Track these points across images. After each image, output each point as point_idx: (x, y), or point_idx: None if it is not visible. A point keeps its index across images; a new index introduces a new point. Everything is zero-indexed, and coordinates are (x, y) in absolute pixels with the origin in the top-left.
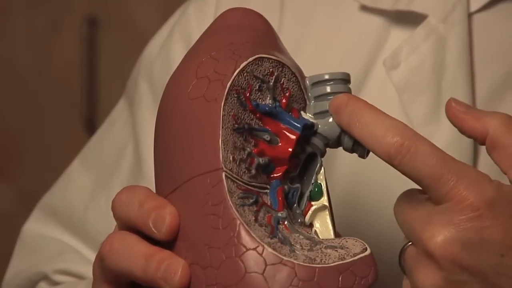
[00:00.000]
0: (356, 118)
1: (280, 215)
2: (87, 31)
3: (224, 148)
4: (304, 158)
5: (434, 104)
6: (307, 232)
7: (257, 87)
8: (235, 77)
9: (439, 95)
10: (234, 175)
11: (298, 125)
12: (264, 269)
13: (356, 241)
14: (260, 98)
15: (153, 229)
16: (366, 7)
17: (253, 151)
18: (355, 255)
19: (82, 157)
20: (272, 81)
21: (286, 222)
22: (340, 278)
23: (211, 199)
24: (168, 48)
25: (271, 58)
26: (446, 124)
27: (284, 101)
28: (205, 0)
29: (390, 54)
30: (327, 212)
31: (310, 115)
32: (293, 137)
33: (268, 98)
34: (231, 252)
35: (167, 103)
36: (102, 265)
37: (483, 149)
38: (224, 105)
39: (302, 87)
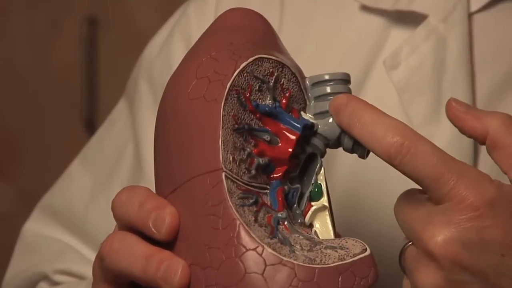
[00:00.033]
0: (356, 118)
1: (280, 215)
2: (87, 31)
3: (224, 148)
4: (304, 159)
5: (434, 104)
6: (307, 233)
7: (257, 87)
8: (235, 77)
9: (439, 95)
10: (234, 176)
11: (298, 126)
12: (264, 269)
13: (356, 242)
14: (260, 99)
15: (153, 230)
16: (366, 7)
17: (253, 152)
18: (355, 255)
19: (82, 157)
20: (272, 81)
21: (286, 223)
22: (340, 279)
23: (211, 200)
24: (168, 48)
25: (271, 59)
26: (446, 124)
27: (284, 101)
28: (205, 0)
29: (390, 54)
30: (327, 213)
31: (310, 116)
32: (293, 137)
33: (268, 98)
34: (231, 253)
35: (167, 103)
36: (102, 265)
37: (483, 149)
38: (224, 106)
39: (302, 87)
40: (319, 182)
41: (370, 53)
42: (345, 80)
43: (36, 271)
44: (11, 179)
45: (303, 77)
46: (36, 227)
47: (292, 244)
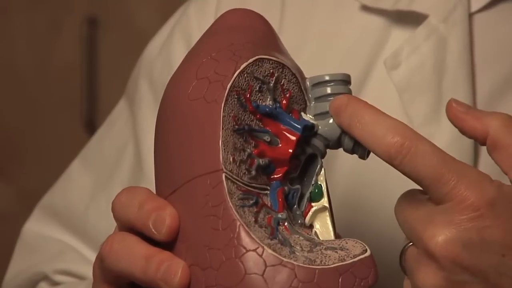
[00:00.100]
0: (357, 119)
1: (280, 216)
2: (87, 31)
3: (224, 149)
4: (304, 159)
5: (434, 104)
6: (307, 233)
7: (257, 88)
8: (235, 78)
9: (439, 95)
10: (234, 176)
11: (299, 126)
12: (264, 270)
13: (356, 243)
14: (260, 99)
15: (153, 230)
16: (367, 7)
17: (253, 152)
18: (355, 256)
19: (82, 157)
20: (273, 82)
21: (286, 223)
22: (340, 280)
23: (211, 200)
24: (169, 48)
25: (271, 59)
26: (446, 124)
27: (285, 102)
28: (206, 0)
29: (391, 54)
30: (327, 213)
31: (310, 116)
32: (294, 138)
33: (268, 99)
34: (231, 253)
35: (167, 103)
36: (102, 266)
37: (483, 149)
38: (224, 106)
39: (302, 88)
40: (319, 183)
41: (370, 53)
42: (346, 80)
43: (36, 271)
44: (11, 179)
45: (304, 78)
46: (36, 227)
47: (292, 245)
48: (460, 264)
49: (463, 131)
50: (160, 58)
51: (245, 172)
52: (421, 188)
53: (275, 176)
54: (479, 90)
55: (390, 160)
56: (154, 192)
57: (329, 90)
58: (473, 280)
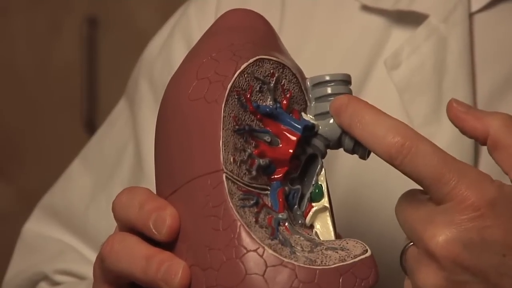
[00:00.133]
0: (357, 119)
1: (280, 216)
2: (87, 31)
3: (224, 149)
4: (305, 160)
5: (435, 104)
6: (308, 234)
7: (257, 88)
8: (235, 78)
9: (440, 95)
10: (235, 177)
11: (299, 126)
12: (265, 270)
13: (356, 243)
14: (260, 99)
15: (154, 230)
16: (367, 7)
17: (253, 153)
18: (355, 256)
19: (83, 157)
20: (273, 82)
21: (286, 224)
22: (340, 280)
23: (212, 201)
24: (169, 48)
25: (271, 59)
26: (447, 124)
27: (285, 102)
28: (206, 0)
29: (391, 54)
30: (328, 214)
31: (310, 116)
32: (294, 138)
33: (268, 99)
34: (232, 254)
35: (168, 104)
36: (102, 266)
37: (484, 149)
38: (224, 107)
39: (302, 88)
40: (319, 183)
41: (370, 53)
42: (346, 81)
43: (36, 271)
44: (11, 179)
45: (304, 78)
46: (36, 227)
47: (293, 245)
48: (461, 264)
49: (463, 131)
50: (160, 58)
51: (245, 173)
52: (421, 188)
53: (275, 176)
54: (479, 90)
55: (390, 160)
56: (155, 192)
57: (329, 90)
58: (474, 280)
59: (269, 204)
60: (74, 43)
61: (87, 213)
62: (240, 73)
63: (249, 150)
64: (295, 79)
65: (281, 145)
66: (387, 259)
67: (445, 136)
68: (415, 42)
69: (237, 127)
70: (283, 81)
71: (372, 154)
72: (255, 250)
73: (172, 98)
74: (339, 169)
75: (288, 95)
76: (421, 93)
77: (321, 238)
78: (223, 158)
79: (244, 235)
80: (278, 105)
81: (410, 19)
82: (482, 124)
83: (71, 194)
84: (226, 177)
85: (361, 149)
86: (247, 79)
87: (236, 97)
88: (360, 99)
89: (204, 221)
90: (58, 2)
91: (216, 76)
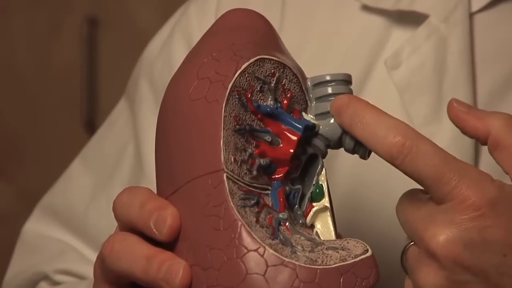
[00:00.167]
0: (358, 119)
1: (281, 216)
2: (87, 31)
3: (225, 149)
4: (305, 159)
5: (435, 105)
6: (308, 233)
7: (258, 88)
8: (236, 78)
9: (440, 95)
10: (235, 176)
11: (300, 126)
12: (265, 270)
13: (357, 243)
14: (261, 99)
15: (154, 230)
16: (367, 7)
17: (254, 152)
18: (356, 256)
19: (83, 157)
20: (274, 82)
21: (287, 223)
22: (341, 280)
23: (212, 200)
24: (169, 48)
25: (272, 59)
26: (447, 124)
27: (286, 102)
28: (206, 0)
29: (392, 54)
30: (328, 213)
31: (311, 116)
32: (295, 138)
33: (269, 99)
34: (232, 253)
35: (168, 104)
36: (103, 266)
37: (484, 149)
38: (225, 106)
39: (303, 88)
40: (320, 183)
41: (371, 53)
42: (347, 80)
43: (37, 271)
44: (11, 179)
45: (305, 78)
46: (37, 226)
47: (294, 245)
48: (461, 264)
49: (464, 131)
50: (161, 58)
51: (246, 172)
52: (422, 188)
53: (276, 176)
54: (479, 90)
55: (391, 160)
56: (155, 192)
57: (330, 90)
58: (474, 280)
59: (270, 204)
60: (74, 43)
61: (87, 213)
62: (241, 73)
63: (249, 150)
64: (295, 79)
65: (281, 145)
66: (388, 259)
67: (445, 136)
68: (416, 42)
69: (238, 126)
70: (283, 81)
71: (372, 154)
72: (256, 250)
73: (172, 98)
74: (339, 169)
75: (288, 95)
76: (421, 93)
77: (321, 238)
78: (223, 157)
79: (245, 234)
80: (279, 105)
81: (411, 19)
82: (483, 124)
83: (71, 194)
84: (227, 176)
85: (361, 149)
86: (248, 79)
87: (237, 96)
88: (361, 99)
89: (204, 221)
90: (58, 2)
91: (217, 76)
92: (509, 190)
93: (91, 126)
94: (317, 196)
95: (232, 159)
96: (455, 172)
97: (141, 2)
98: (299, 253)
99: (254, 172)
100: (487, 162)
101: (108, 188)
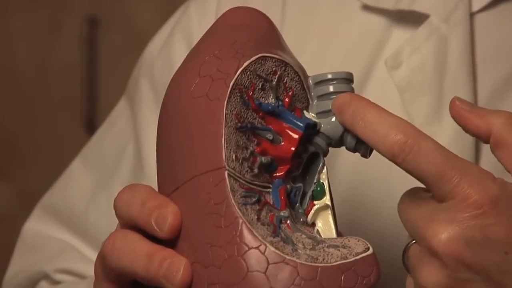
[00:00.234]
0: (359, 117)
1: (282, 214)
2: (87, 31)
3: (227, 147)
4: (307, 158)
5: (435, 104)
6: (309, 232)
7: (260, 86)
8: (238, 76)
9: (440, 95)
10: (237, 174)
11: (301, 124)
12: (266, 268)
13: (358, 241)
14: (263, 97)
15: (155, 228)
16: (368, 7)
17: (255, 150)
18: (357, 254)
19: (83, 156)
20: (275, 80)
21: (288, 221)
22: (342, 278)
23: (214, 198)
24: (169, 47)
25: (274, 57)
26: (447, 124)
27: (287, 100)
28: None
29: (392, 54)
30: (329, 212)
31: (313, 115)
32: (296, 136)
33: (271, 97)
34: (233, 251)
35: (170, 101)
36: (104, 264)
37: (484, 149)
38: (227, 104)
39: (305, 86)
40: (321, 181)
41: (371, 52)
42: (348, 79)
43: (37, 270)
44: (11, 179)
45: (306, 76)
46: (37, 226)
47: (295, 242)
48: (463, 262)
49: (466, 129)
50: (161, 58)
51: (247, 170)
52: (424, 186)
53: (277, 174)
54: (480, 90)
55: (393, 158)
56: (156, 190)
57: (331, 89)
58: (476, 278)
59: (271, 202)
60: (74, 43)
61: (87, 213)
62: (242, 71)
63: (251, 148)
64: (297, 77)
65: (283, 143)
66: (389, 257)
67: (446, 136)
68: (416, 42)
69: (239, 124)
70: (285, 79)
71: (374, 152)
72: (257, 248)
73: (174, 95)
74: (340, 167)
75: (290, 93)
76: (422, 93)
77: (322, 236)
78: (225, 155)
79: (246, 232)
80: (280, 103)
81: (411, 19)
82: (485, 122)
83: (71, 194)
84: (228, 174)
85: (363, 147)
86: (249, 77)
87: (239, 94)
88: (362, 97)
89: (206, 219)
90: (58, 2)
91: (219, 73)
92: (510, 188)
93: (91, 126)
94: (318, 194)
95: (234, 157)
96: (456, 170)
97: (141, 2)
98: (300, 251)
99: (256, 170)
100: (487, 162)
101: (108, 188)
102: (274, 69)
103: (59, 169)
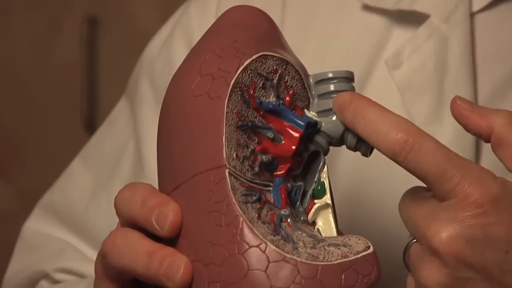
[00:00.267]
0: (360, 116)
1: (283, 212)
2: (87, 31)
3: (227, 145)
4: (307, 156)
5: (436, 104)
6: (310, 230)
7: (260, 84)
8: (239, 74)
9: (441, 95)
10: (238, 172)
11: (302, 123)
12: (267, 266)
13: (359, 239)
14: (263, 96)
15: (156, 226)
16: (368, 7)
17: (256, 149)
18: (358, 253)
19: (83, 156)
20: (276, 78)
21: (289, 220)
22: (342, 276)
23: (214, 196)
24: (169, 47)
25: (275, 56)
26: (448, 124)
27: (288, 99)
28: None
29: (392, 54)
30: (330, 210)
31: (313, 113)
32: (297, 135)
33: (271, 95)
34: (234, 249)
35: (171, 99)
36: (104, 262)
37: (485, 149)
38: (227, 103)
39: (305, 85)
40: (322, 180)
41: (371, 52)
42: (349, 78)
43: (37, 269)
44: (11, 179)
45: (307, 75)
46: (37, 225)
47: (295, 241)
48: (464, 261)
49: (467, 129)
50: (161, 58)
51: (248, 169)
52: (424, 185)
53: (278, 172)
54: (480, 90)
55: (394, 157)
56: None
57: (332, 87)
58: (477, 277)
59: (272, 200)
60: (74, 43)
61: (87, 212)
62: (243, 69)
63: (251, 146)
64: (298, 75)
65: (283, 142)
66: (390, 256)
67: (446, 136)
68: (416, 42)
69: (240, 123)
70: (286, 78)
71: (374, 151)
72: (257, 246)
73: (175, 94)
74: (341, 166)
75: (291, 92)
76: (422, 93)
77: (323, 235)
78: (226, 153)
79: (246, 230)
80: (281, 101)
81: (411, 19)
82: (486, 121)
83: (71, 193)
84: (229, 172)
85: (363, 146)
86: (250, 76)
87: (239, 93)
88: (363, 96)
89: (206, 217)
90: (58, 2)
91: (220, 72)
92: (511, 187)
93: (91, 126)
94: (319, 193)
95: (234, 155)
96: (457, 169)
97: (141, 2)
98: (300, 250)
99: (256, 169)
100: (487, 162)
101: (108, 188)
102: (275, 67)
103: (59, 169)
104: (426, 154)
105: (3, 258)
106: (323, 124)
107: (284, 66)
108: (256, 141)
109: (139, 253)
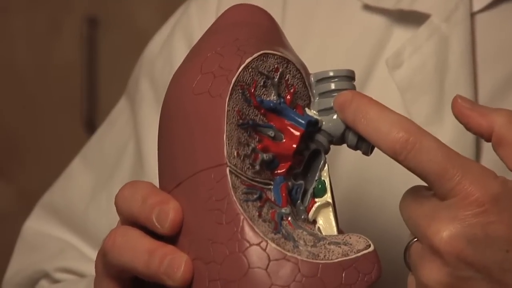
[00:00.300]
0: (361, 114)
1: (283, 211)
2: (87, 31)
3: (228, 143)
4: (308, 155)
5: (436, 104)
6: (311, 229)
7: (262, 83)
8: (240, 72)
9: (441, 95)
10: (238, 171)
11: (303, 122)
12: (268, 264)
13: (359, 238)
14: (264, 94)
15: (156, 224)
16: (369, 6)
17: (257, 147)
18: (358, 251)
19: (83, 155)
20: (277, 77)
21: (289, 218)
22: (343, 275)
23: (215, 194)
24: (170, 47)
25: (276, 54)
26: (448, 124)
27: (289, 97)
28: None
29: (393, 54)
30: (331, 209)
31: (314, 112)
32: (297, 133)
33: (272, 94)
34: (235, 247)
35: (172, 97)
36: (104, 260)
37: (485, 149)
38: (228, 101)
39: (306, 83)
40: (322, 178)
41: (372, 52)
42: (350, 76)
43: (37, 269)
44: (11, 179)
45: (308, 74)
46: (37, 225)
47: (296, 239)
48: (465, 260)
49: (468, 128)
50: (161, 57)
51: (249, 167)
52: (425, 184)
53: (278, 171)
54: (481, 89)
55: (395, 156)
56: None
57: (333, 86)
58: (477, 276)
59: (272, 199)
60: (74, 43)
61: (87, 212)
62: (244, 67)
63: (252, 145)
64: (299, 74)
65: (284, 140)
66: (391, 255)
67: (447, 136)
68: (417, 42)
69: (241, 121)
70: (287, 76)
71: (375, 149)
72: (258, 244)
73: (176, 92)
74: (342, 164)
75: (292, 90)
76: (422, 93)
77: (323, 233)
78: (227, 152)
79: (247, 229)
80: (282, 100)
81: (412, 18)
82: (486, 121)
83: (71, 193)
84: (230, 171)
85: (364, 145)
86: (251, 74)
87: (240, 91)
88: (364, 95)
89: (207, 215)
90: (58, 2)
91: (221, 70)
92: None
93: (91, 126)
94: (320, 191)
95: (235, 154)
96: (458, 168)
97: (141, 2)
98: (301, 248)
99: (257, 167)
100: (488, 161)
101: (108, 187)
102: (276, 66)
103: (59, 169)
104: (427, 153)
105: (3, 258)
106: (324, 122)
107: (285, 65)
108: (257, 139)
109: (139, 251)
